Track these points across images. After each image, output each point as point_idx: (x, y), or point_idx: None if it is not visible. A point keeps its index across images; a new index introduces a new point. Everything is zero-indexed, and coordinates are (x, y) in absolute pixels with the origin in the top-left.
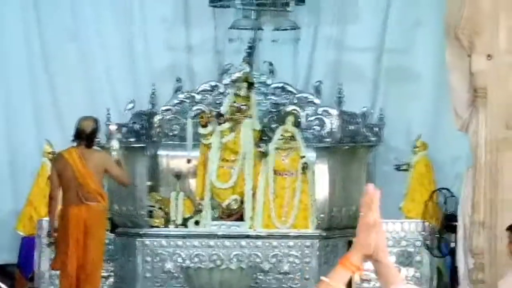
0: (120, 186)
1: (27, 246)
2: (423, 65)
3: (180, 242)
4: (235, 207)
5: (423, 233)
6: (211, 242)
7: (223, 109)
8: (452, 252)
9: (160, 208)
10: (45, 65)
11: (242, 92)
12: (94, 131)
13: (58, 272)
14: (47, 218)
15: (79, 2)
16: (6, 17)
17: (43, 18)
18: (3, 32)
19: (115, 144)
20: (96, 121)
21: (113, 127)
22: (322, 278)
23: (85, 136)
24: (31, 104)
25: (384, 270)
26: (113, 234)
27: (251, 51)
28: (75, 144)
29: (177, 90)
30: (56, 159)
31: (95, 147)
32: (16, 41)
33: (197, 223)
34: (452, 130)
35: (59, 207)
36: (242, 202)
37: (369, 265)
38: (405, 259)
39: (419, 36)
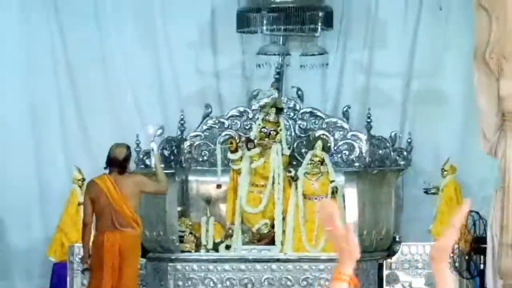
0: (150, 212)
1: (59, 272)
2: (452, 88)
3: (211, 267)
4: (265, 232)
5: (452, 255)
6: (242, 266)
7: (252, 135)
8: (482, 274)
9: (190, 233)
10: (73, 92)
11: (271, 118)
12: (127, 158)
13: None
14: (78, 244)
15: (106, 30)
16: (33, 45)
17: (70, 46)
18: (30, 60)
19: (154, 146)
20: (128, 148)
21: (151, 130)
22: None
23: (118, 163)
24: (59, 131)
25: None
26: (144, 259)
27: (279, 76)
28: (107, 171)
29: (206, 116)
30: (89, 186)
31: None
32: (44, 69)
33: (227, 247)
34: (480, 153)
35: (93, 233)
36: (272, 226)
37: None
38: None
39: (447, 60)
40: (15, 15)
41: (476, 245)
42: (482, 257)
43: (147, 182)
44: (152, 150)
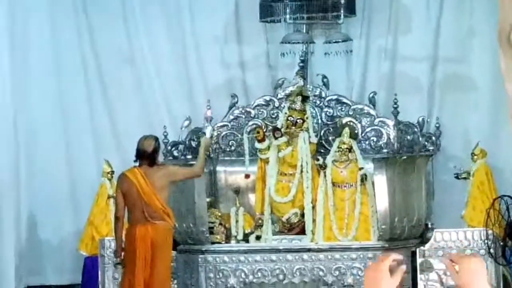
0: (179, 204)
1: (90, 266)
2: (479, 73)
3: (242, 258)
4: (295, 221)
5: (486, 241)
6: (273, 257)
7: (279, 123)
8: None
9: (220, 224)
10: (102, 86)
11: (297, 106)
12: (156, 150)
13: None
14: (109, 238)
15: (133, 25)
16: (62, 43)
17: (99, 41)
18: (60, 58)
19: (208, 130)
20: (156, 139)
21: (208, 113)
22: None
23: (147, 155)
24: (89, 125)
25: None
26: (174, 252)
27: (303, 64)
28: (137, 164)
29: (233, 105)
30: (120, 179)
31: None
32: (73, 66)
33: (258, 238)
34: (511, 137)
35: (125, 226)
36: (302, 215)
37: None
38: None
39: (473, 44)
40: (44, 16)
41: (510, 231)
42: None
43: (177, 171)
44: (204, 133)
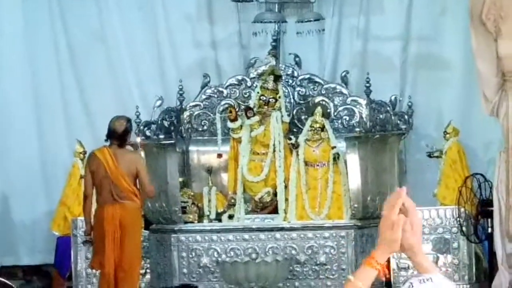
0: (152, 184)
1: (63, 245)
2: (451, 51)
3: (214, 237)
4: (268, 200)
5: (459, 219)
6: (246, 236)
7: (251, 103)
8: (490, 237)
9: (193, 204)
10: (74, 66)
11: (270, 85)
12: (127, 131)
13: (95, 271)
14: (81, 218)
15: (105, 5)
16: (34, 21)
17: (70, 21)
18: (31, 37)
19: (138, 139)
20: (128, 120)
21: (138, 139)
22: (349, 277)
23: (118, 136)
24: (61, 105)
25: (419, 264)
26: (147, 231)
27: (276, 43)
28: (107, 143)
29: (205, 85)
30: (89, 158)
31: (127, 147)
32: (44, 44)
33: (231, 217)
34: (483, 115)
35: (94, 206)
36: (275, 194)
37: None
38: (442, 246)
39: (445, 23)
40: None
41: (482, 209)
42: (489, 220)
43: (143, 168)
44: (137, 146)
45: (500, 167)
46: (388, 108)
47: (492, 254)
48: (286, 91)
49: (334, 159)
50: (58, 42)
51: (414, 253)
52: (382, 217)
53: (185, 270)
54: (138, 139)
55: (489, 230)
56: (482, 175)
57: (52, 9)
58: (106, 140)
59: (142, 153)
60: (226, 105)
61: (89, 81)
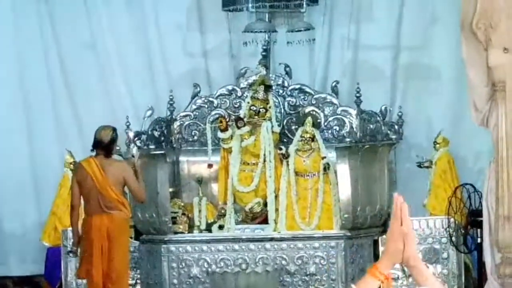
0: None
1: (53, 256)
2: (441, 61)
3: (205, 247)
4: (258, 210)
5: (448, 229)
6: (236, 246)
7: (241, 113)
8: (479, 248)
9: (183, 214)
10: (64, 76)
11: (260, 95)
12: (113, 140)
13: (85, 281)
14: (71, 228)
15: (95, 13)
16: (23, 30)
17: (60, 30)
18: (21, 46)
19: (134, 150)
20: (114, 130)
21: (131, 134)
22: (352, 286)
23: (104, 146)
24: (51, 115)
25: (417, 275)
26: (137, 242)
27: (266, 53)
28: (94, 154)
29: (195, 95)
30: (76, 169)
31: (114, 157)
32: (34, 54)
33: (221, 227)
34: (473, 126)
35: (82, 216)
36: (265, 205)
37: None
38: (432, 256)
39: (435, 33)
40: (5, 3)
41: (472, 219)
42: (478, 230)
43: (131, 176)
44: (132, 153)
45: (490, 177)
46: (378, 118)
47: (481, 264)
48: (277, 101)
49: (324, 169)
50: (48, 51)
51: (414, 263)
52: (389, 227)
53: (175, 281)
54: (135, 149)
55: (479, 240)
56: (471, 185)
57: (42, 18)
58: (92, 150)
59: (139, 162)
60: (217, 115)
61: (80, 91)
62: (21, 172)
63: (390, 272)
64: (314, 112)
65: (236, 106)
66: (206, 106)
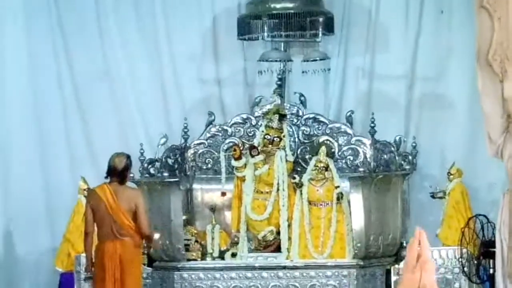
0: (155, 221)
1: (66, 282)
2: (456, 92)
3: (217, 275)
4: (271, 239)
5: (461, 259)
6: (249, 274)
7: (255, 142)
8: (491, 278)
9: (196, 241)
10: (78, 102)
11: (274, 124)
12: (127, 167)
13: None
14: (84, 254)
15: (109, 41)
16: (37, 59)
17: (74, 58)
18: (36, 73)
19: (156, 236)
20: (128, 157)
21: (157, 235)
22: None
23: (118, 173)
24: (65, 142)
25: None
26: (150, 268)
27: (281, 82)
28: (108, 180)
29: (209, 123)
30: (90, 195)
31: (128, 184)
32: (49, 82)
33: (234, 255)
34: (487, 157)
35: (95, 242)
36: (278, 233)
37: None
38: (444, 286)
39: (451, 63)
40: (20, 33)
41: (485, 249)
42: (491, 261)
43: (142, 205)
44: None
45: (504, 208)
46: (393, 149)
47: None
48: (291, 130)
49: (338, 198)
50: (62, 77)
51: None
52: (405, 258)
53: None
54: (157, 236)
55: (491, 271)
56: (485, 216)
57: (56, 44)
58: (106, 177)
59: (157, 235)
60: (231, 144)
61: (93, 118)
62: (35, 198)
63: None
64: (328, 142)
65: (250, 134)
66: (220, 134)
